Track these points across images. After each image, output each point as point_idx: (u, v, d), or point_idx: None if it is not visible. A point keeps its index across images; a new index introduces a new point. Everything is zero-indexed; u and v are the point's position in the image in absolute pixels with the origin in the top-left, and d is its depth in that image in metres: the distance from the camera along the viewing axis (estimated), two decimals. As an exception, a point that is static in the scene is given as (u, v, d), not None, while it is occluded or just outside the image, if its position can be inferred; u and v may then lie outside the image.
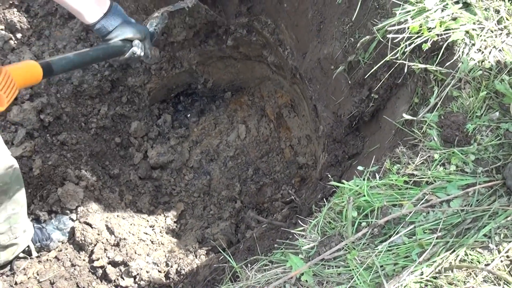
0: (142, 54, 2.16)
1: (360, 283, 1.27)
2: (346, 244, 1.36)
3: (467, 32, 1.63)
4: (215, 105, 3.97)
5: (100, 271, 2.65)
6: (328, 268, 1.34)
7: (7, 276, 2.58)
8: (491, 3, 1.69)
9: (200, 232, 3.06)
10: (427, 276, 1.24)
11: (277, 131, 3.70)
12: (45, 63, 1.76)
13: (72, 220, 2.79)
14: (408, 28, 1.70)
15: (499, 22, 1.65)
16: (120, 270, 2.65)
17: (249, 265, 1.47)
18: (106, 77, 3.31)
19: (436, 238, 1.31)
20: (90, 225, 2.76)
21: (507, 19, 1.65)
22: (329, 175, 2.26)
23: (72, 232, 2.75)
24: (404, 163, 1.57)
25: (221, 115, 3.90)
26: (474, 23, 1.64)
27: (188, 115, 3.93)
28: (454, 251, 1.28)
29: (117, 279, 2.64)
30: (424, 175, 1.49)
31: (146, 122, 3.67)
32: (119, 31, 2.05)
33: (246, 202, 3.42)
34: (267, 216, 3.23)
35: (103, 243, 2.73)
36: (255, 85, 3.90)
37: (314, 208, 2.13)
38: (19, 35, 3.19)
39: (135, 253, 2.72)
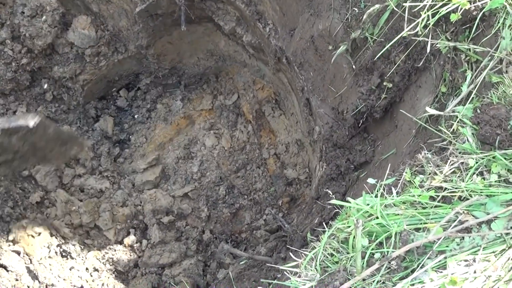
0: None
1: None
2: (355, 283, 1.35)
3: (508, -3, 1.65)
4: (172, 101, 3.95)
5: (18, 331, 2.61)
6: (331, 317, 1.34)
7: None
8: (537, -41, 1.71)
9: (156, 275, 3.03)
10: (464, 324, 1.24)
11: (257, 135, 3.70)
12: None
13: (-21, 261, 2.74)
14: (430, -7, 1.71)
15: (549, -16, 1.68)
16: (46, 329, 2.61)
17: (224, 316, 1.46)
18: (24, 66, 3.26)
19: (474, 272, 1.32)
20: (5, 268, 2.71)
21: (559, -20, 1.68)
22: (329, 192, 2.27)
23: (-21, 279, 2.70)
24: (430, 173, 1.58)
25: (181, 114, 3.89)
26: (516, -14, 1.67)
27: (136, 116, 3.91)
28: (498, 288, 1.28)
29: None
30: (456, 188, 1.50)
31: (80, 127, 3.63)
32: None
33: (217, 232, 3.40)
34: (246, 249, 3.22)
35: (22, 292, 2.68)
36: (224, 72, 3.91)
37: (309, 236, 2.13)
38: None
39: (67, 305, 2.68)
